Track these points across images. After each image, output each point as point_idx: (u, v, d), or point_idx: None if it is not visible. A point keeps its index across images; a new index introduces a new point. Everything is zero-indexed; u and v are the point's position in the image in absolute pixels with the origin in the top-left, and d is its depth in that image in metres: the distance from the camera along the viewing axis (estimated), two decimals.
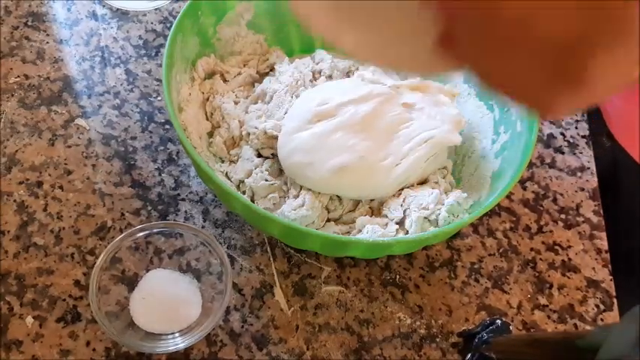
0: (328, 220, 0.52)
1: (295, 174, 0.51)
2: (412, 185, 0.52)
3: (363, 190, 0.51)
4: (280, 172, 0.53)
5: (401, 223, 0.50)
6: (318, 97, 0.52)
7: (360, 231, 0.49)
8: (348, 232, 0.50)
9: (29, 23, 0.64)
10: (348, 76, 0.61)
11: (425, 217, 0.49)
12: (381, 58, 0.17)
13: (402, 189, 0.52)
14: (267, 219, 0.44)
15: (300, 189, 0.51)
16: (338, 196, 0.51)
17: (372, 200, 0.52)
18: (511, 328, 0.48)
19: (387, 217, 0.51)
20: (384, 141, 0.50)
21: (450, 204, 0.49)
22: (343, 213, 0.52)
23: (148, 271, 0.49)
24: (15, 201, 0.52)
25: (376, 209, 0.52)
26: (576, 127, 0.64)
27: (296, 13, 0.18)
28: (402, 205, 0.50)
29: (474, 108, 0.58)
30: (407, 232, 0.49)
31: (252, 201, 0.51)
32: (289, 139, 0.51)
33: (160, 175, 0.56)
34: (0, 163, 0.54)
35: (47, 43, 0.63)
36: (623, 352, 0.30)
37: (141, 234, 0.48)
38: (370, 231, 0.48)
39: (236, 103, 0.56)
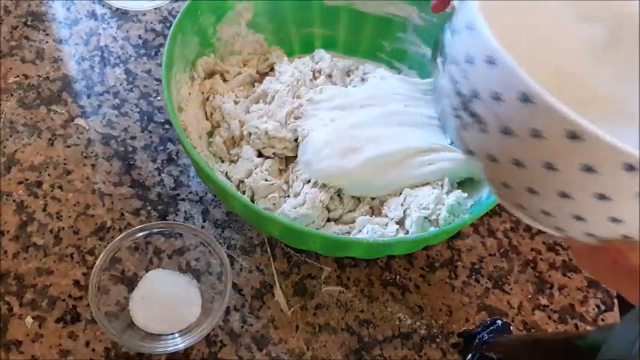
0: (328, 220, 0.52)
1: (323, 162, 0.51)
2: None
3: (386, 183, 0.51)
4: (280, 171, 0.53)
5: (401, 222, 0.50)
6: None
7: (360, 231, 0.49)
8: (349, 232, 0.50)
9: (29, 23, 0.64)
10: (348, 75, 0.61)
11: (425, 217, 0.49)
12: None
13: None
14: (267, 219, 0.44)
15: (303, 186, 0.51)
16: (339, 195, 0.51)
17: (372, 199, 0.52)
18: (511, 328, 0.48)
19: (387, 216, 0.51)
20: (417, 140, 0.52)
21: (451, 204, 0.49)
22: (344, 212, 0.52)
23: (147, 271, 0.49)
24: (14, 201, 0.52)
25: (376, 208, 0.52)
26: None
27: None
28: (402, 205, 0.50)
29: None
30: (407, 232, 0.49)
31: (252, 201, 0.51)
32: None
33: (159, 175, 0.56)
34: None
35: (47, 42, 0.63)
36: (624, 352, 0.30)
37: (140, 234, 0.48)
38: (370, 231, 0.48)
39: (236, 102, 0.56)
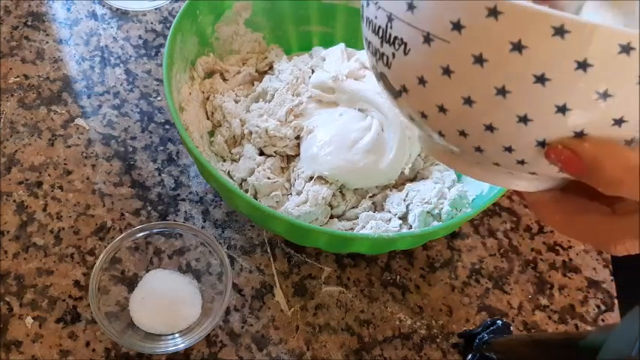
0: (331, 217, 0.52)
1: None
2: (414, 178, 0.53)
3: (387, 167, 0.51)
4: (282, 169, 0.53)
5: (404, 217, 0.50)
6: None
7: (363, 227, 0.49)
8: (352, 229, 0.50)
9: (29, 23, 0.64)
10: None
11: (428, 212, 0.49)
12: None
13: (404, 183, 0.52)
14: (272, 217, 0.44)
15: (305, 184, 0.51)
16: (341, 192, 0.51)
17: (374, 195, 0.52)
18: (512, 328, 0.48)
19: (389, 212, 0.51)
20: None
21: (453, 198, 0.49)
22: (347, 209, 0.52)
23: (147, 271, 0.49)
24: (15, 201, 0.52)
25: (379, 204, 0.52)
26: None
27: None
28: (404, 200, 0.51)
29: None
30: (410, 227, 0.49)
31: (255, 199, 0.51)
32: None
33: (159, 175, 0.56)
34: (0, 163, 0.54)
35: (47, 43, 0.63)
36: (624, 352, 0.29)
37: (141, 234, 0.48)
38: (375, 227, 0.49)
39: (236, 101, 0.56)
